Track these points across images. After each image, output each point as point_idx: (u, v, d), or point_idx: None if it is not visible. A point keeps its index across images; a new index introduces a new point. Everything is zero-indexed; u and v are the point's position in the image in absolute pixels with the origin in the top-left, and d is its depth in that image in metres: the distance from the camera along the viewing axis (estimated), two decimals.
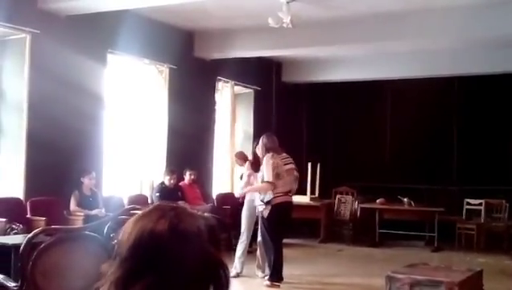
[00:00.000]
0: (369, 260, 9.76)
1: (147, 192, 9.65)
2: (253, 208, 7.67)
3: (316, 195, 11.40)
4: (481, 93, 12.42)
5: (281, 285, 7.29)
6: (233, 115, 11.59)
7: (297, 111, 13.50)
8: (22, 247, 3.46)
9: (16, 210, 7.32)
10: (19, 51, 7.72)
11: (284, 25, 8.00)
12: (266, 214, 7.23)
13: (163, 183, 9.34)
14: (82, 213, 7.80)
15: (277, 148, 7.46)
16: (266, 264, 7.49)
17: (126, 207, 6.98)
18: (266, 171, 7.23)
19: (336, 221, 11.72)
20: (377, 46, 10.29)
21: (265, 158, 7.35)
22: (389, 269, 6.06)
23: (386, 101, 13.64)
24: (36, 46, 7.69)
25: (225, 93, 11.52)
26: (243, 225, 7.89)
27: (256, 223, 7.82)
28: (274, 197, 7.20)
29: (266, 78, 12.41)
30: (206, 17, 9.44)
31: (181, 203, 7.73)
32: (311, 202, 11.16)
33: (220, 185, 11.25)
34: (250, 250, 8.20)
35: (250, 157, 8.88)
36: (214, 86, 11.22)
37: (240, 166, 10.21)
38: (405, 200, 11.04)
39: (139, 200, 8.93)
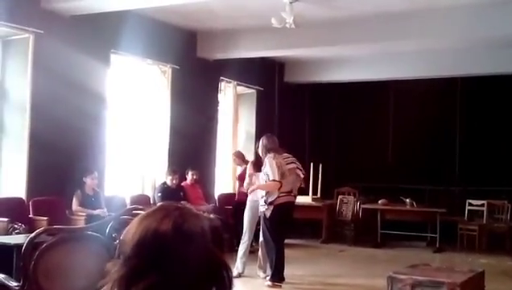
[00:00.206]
0: (371, 261, 9.75)
1: (149, 192, 9.66)
2: (255, 208, 7.67)
3: (318, 195, 11.39)
4: (484, 94, 12.41)
5: (282, 285, 7.29)
6: (235, 115, 11.59)
7: (299, 111, 13.50)
8: (24, 247, 3.47)
9: (18, 210, 7.33)
10: (22, 51, 7.74)
11: (287, 25, 8.00)
12: (268, 214, 7.24)
13: (165, 183, 9.35)
14: (84, 213, 7.82)
15: (277, 148, 7.47)
16: (268, 264, 7.49)
17: (128, 207, 6.99)
18: (271, 171, 7.23)
19: (338, 221, 11.71)
20: (380, 46, 10.28)
21: (267, 158, 7.35)
22: (391, 270, 6.05)
23: (388, 102, 13.63)
24: (39, 46, 7.70)
25: (228, 93, 11.52)
26: (245, 226, 7.89)
27: (258, 223, 7.82)
28: (277, 197, 7.21)
29: (268, 78, 12.41)
30: (209, 17, 9.45)
31: (183, 203, 7.74)
32: (313, 202, 11.16)
33: (222, 185, 11.26)
34: (252, 250, 8.20)
35: (251, 157, 8.91)
36: (217, 86, 11.23)
37: (237, 165, 10.28)
38: (407, 200, 11.04)
39: (141, 201, 8.95)
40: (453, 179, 12.75)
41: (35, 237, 3.51)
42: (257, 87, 12.10)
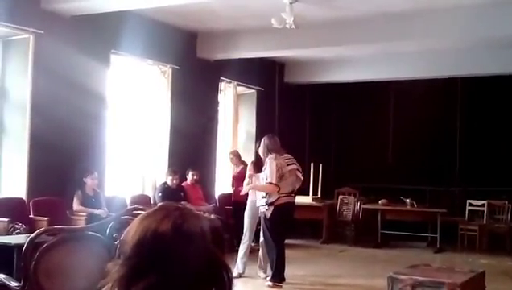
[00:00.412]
0: (372, 261, 9.75)
1: (150, 193, 9.66)
2: (255, 208, 7.67)
3: (319, 195, 11.39)
4: (485, 94, 12.41)
5: (283, 286, 7.29)
6: (235, 116, 11.59)
7: (300, 112, 13.50)
8: (24, 247, 3.47)
9: (19, 210, 7.33)
10: (23, 52, 7.74)
11: (287, 26, 8.00)
12: (268, 215, 7.24)
13: (165, 183, 9.35)
14: (85, 213, 7.82)
15: (279, 149, 7.47)
16: (268, 265, 7.50)
17: (129, 207, 6.99)
18: (269, 173, 7.24)
19: (339, 221, 11.71)
20: (380, 46, 10.27)
21: (268, 159, 7.36)
22: (391, 270, 6.05)
23: (389, 102, 13.64)
24: (40, 46, 7.70)
25: (228, 93, 11.52)
26: (245, 226, 7.90)
27: (258, 224, 7.83)
28: (277, 198, 7.22)
29: (269, 79, 12.41)
30: (209, 18, 9.45)
31: (184, 203, 7.74)
32: (314, 203, 11.16)
33: (222, 186, 11.26)
34: (251, 250, 8.20)
35: (251, 158, 8.93)
36: (217, 87, 11.23)
37: (234, 164, 10.30)
38: (407, 201, 11.04)
39: (142, 201, 8.95)
40: (454, 179, 12.75)
41: (35, 237, 3.52)
42: (257, 87, 12.10)
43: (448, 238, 10.87)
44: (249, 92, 12.12)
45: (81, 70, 8.25)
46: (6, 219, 6.87)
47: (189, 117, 10.05)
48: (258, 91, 12.16)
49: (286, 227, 7.67)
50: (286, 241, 7.87)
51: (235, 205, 9.63)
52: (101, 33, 8.62)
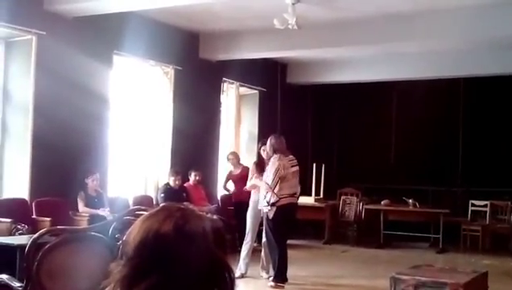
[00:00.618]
0: (374, 261, 9.75)
1: (152, 193, 9.67)
2: (257, 209, 7.67)
3: (321, 196, 11.38)
4: (487, 95, 12.40)
5: (285, 286, 7.30)
6: (238, 116, 11.59)
7: (302, 112, 13.50)
8: (27, 248, 3.47)
9: (21, 211, 7.34)
10: (25, 53, 7.75)
11: (289, 26, 8.00)
12: (271, 215, 7.25)
13: (167, 184, 9.35)
14: (88, 214, 7.82)
15: (284, 150, 7.47)
16: (271, 265, 7.51)
17: (131, 208, 6.99)
18: (270, 174, 7.26)
19: (341, 222, 11.71)
20: (382, 47, 10.27)
21: (271, 159, 7.36)
22: (393, 270, 6.05)
23: (391, 103, 13.63)
24: (42, 47, 7.71)
25: (230, 94, 11.52)
26: (248, 226, 7.90)
27: (261, 224, 7.83)
28: (280, 199, 7.22)
29: (271, 79, 12.41)
30: (211, 18, 9.46)
31: (186, 204, 7.74)
32: (316, 203, 11.15)
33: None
34: (253, 251, 8.20)
35: (253, 158, 8.94)
36: (219, 87, 11.23)
37: (232, 165, 10.31)
38: (410, 201, 11.03)
39: (144, 201, 8.95)
40: (456, 179, 12.74)
41: (38, 237, 3.52)
42: (259, 88, 12.10)
43: (451, 238, 10.86)
44: (252, 92, 12.12)
45: (84, 71, 8.26)
46: (9, 220, 6.88)
47: (191, 117, 10.05)
48: (260, 92, 12.16)
49: (288, 228, 7.68)
50: (289, 241, 7.87)
51: (237, 205, 9.64)
52: (104, 34, 8.63)
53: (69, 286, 3.51)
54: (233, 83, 11.43)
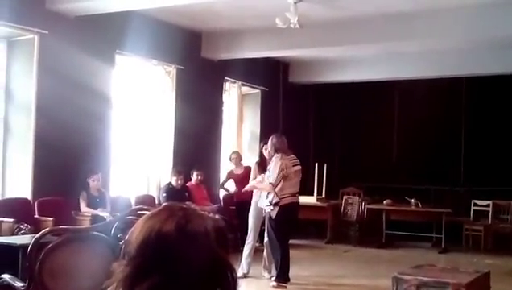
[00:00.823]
0: (376, 261, 9.75)
1: (154, 193, 9.67)
2: (260, 208, 7.67)
3: (323, 195, 11.38)
4: (489, 94, 12.38)
5: (287, 286, 7.29)
6: (240, 116, 11.59)
7: (304, 112, 13.51)
8: (29, 247, 3.48)
9: (24, 210, 7.35)
10: (28, 52, 7.76)
11: (291, 25, 8.00)
12: (273, 215, 7.24)
13: (170, 183, 9.36)
14: (90, 214, 7.83)
15: (286, 149, 7.47)
16: (273, 265, 7.50)
17: (133, 207, 7.00)
18: (272, 173, 7.25)
19: (343, 221, 11.70)
20: (384, 46, 10.27)
21: (273, 158, 7.36)
22: (395, 270, 6.04)
23: (393, 102, 13.62)
24: (44, 46, 7.72)
25: (233, 93, 11.53)
26: (250, 226, 7.90)
27: (263, 224, 7.83)
28: (282, 198, 7.21)
29: (273, 79, 12.41)
30: (213, 18, 9.46)
31: (188, 204, 7.74)
32: (318, 203, 11.14)
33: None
34: (256, 251, 8.20)
35: (256, 158, 8.95)
36: (221, 87, 11.23)
37: (234, 165, 10.32)
38: (412, 201, 11.02)
39: (146, 201, 8.96)
40: (458, 179, 12.72)
41: (40, 237, 3.52)
42: (261, 87, 12.10)
43: (453, 238, 10.85)
44: (254, 92, 12.12)
45: (86, 70, 8.26)
46: (12, 219, 6.88)
47: (194, 117, 10.05)
48: (262, 91, 12.16)
49: (290, 227, 7.67)
50: (291, 241, 7.87)
51: (239, 205, 9.64)
52: (106, 33, 8.63)
53: (71, 285, 3.51)
54: (235, 82, 11.43)
